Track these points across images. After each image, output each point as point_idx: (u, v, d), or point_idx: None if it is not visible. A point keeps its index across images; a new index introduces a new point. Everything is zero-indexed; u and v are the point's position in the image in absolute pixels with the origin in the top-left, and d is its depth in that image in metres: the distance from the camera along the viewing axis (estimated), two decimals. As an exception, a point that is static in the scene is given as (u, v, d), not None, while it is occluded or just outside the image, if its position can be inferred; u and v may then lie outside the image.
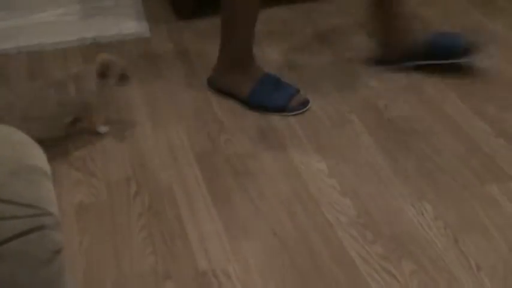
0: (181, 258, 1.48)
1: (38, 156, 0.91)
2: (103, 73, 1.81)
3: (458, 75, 2.05)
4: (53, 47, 2.29)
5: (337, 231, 1.53)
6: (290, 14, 2.46)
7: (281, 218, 1.57)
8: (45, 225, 0.83)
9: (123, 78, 1.86)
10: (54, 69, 2.16)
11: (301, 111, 1.93)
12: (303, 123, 1.89)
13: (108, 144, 1.84)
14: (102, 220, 1.59)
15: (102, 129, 1.89)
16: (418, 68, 2.09)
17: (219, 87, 2.03)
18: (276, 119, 1.91)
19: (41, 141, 1.01)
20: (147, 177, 1.71)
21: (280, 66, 2.15)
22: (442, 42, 2.03)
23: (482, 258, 1.45)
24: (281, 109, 1.93)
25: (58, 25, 2.41)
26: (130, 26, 2.41)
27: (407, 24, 2.07)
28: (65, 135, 1.84)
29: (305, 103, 1.94)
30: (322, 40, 2.29)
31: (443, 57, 2.02)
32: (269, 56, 2.21)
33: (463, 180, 1.66)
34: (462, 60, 2.01)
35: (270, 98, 1.94)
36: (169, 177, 1.71)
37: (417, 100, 1.96)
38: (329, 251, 1.48)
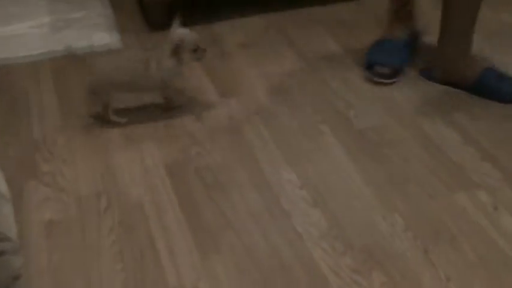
0: (151, 275, 1.47)
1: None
2: (176, 50, 1.88)
3: (428, 83, 2.07)
4: (22, 61, 2.27)
5: (308, 245, 1.53)
6: (264, 24, 2.47)
7: (252, 232, 1.57)
8: (4, 250, 0.82)
9: (198, 52, 1.92)
10: (23, 83, 2.15)
11: None
12: (274, 135, 1.89)
13: (78, 158, 1.83)
14: (71, 236, 1.58)
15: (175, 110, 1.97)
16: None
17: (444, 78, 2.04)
18: (247, 130, 1.91)
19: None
20: (118, 192, 1.70)
21: (255, 76, 2.15)
22: (496, 84, 1.98)
23: (451, 269, 1.46)
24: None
25: (27, 38, 2.40)
26: (101, 37, 2.40)
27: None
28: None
29: None
30: (293, 49, 2.30)
31: (489, 97, 1.97)
32: (240, 65, 2.22)
33: (433, 190, 1.67)
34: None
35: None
36: (140, 191, 1.70)
37: (387, 110, 1.97)
38: (300, 265, 1.48)
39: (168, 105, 2.00)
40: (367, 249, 1.51)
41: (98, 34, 2.41)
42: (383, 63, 2.10)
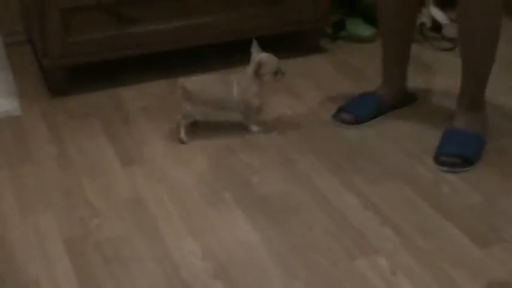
0: None
1: None
2: (257, 72, 2.11)
3: (329, 149, 2.11)
4: None
5: (209, 319, 1.51)
6: (169, 88, 2.47)
7: (152, 308, 1.54)
8: None
9: (277, 74, 2.13)
10: None
11: None
12: (177, 204, 1.87)
13: (-28, 235, 1.76)
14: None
15: (255, 128, 2.18)
16: (292, 142, 2.13)
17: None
18: (150, 199, 1.89)
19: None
20: (12, 270, 1.64)
21: (158, 142, 2.14)
22: (444, 139, 2.05)
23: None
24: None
25: None
26: (0, 104, 2.35)
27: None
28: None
29: None
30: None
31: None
32: (144, 132, 2.20)
33: (334, 257, 1.68)
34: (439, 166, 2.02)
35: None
36: (37, 269, 1.65)
37: (289, 175, 1.99)
38: None
39: (248, 124, 2.19)
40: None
41: (-3, 100, 2.36)
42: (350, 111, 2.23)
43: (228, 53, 2.62)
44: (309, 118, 2.28)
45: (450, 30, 2.69)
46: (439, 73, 2.54)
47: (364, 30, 2.83)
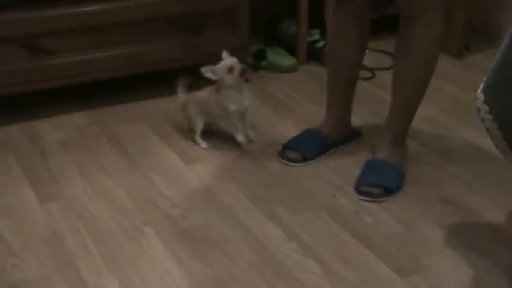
0: None
1: None
2: (230, 73, 2.19)
3: (251, 180, 2.10)
4: None
5: None
6: (87, 120, 2.42)
7: None
8: None
9: (245, 72, 2.21)
10: None
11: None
12: (97, 240, 1.82)
13: None
14: None
15: (240, 138, 2.25)
16: (213, 174, 2.12)
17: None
18: (68, 236, 1.83)
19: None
20: None
21: (76, 178, 2.08)
22: (366, 169, 2.07)
23: None
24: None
25: None
26: None
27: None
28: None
29: None
30: (116, 146, 2.26)
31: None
32: (62, 166, 2.14)
33: (257, 291, 1.67)
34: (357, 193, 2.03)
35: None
36: None
37: (212, 207, 1.97)
38: None
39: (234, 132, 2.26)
40: None
41: None
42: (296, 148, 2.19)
43: (148, 83, 2.60)
44: (230, 149, 2.28)
45: (369, 60, 2.74)
46: (366, 104, 2.57)
47: (284, 60, 2.85)
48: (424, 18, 1.94)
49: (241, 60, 2.28)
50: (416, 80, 2.03)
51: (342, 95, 2.23)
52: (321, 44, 2.91)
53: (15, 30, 2.28)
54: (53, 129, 2.36)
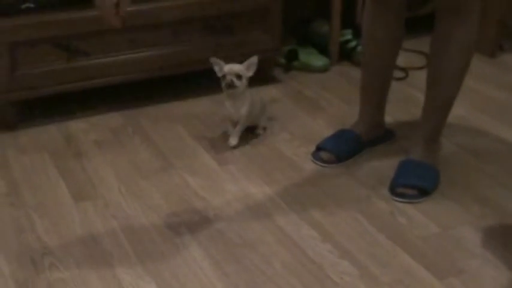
0: None
1: None
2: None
3: (286, 181, 2.10)
4: None
5: None
6: (121, 121, 2.44)
7: None
8: None
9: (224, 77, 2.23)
10: None
11: None
12: (132, 240, 1.83)
13: None
14: None
15: (232, 141, 2.28)
16: (248, 175, 2.12)
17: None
18: (104, 237, 1.84)
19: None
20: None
21: (111, 177, 2.10)
22: (401, 170, 2.05)
23: None
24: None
25: None
26: None
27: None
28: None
29: None
30: (150, 146, 2.28)
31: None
32: (97, 166, 2.16)
33: (293, 292, 1.66)
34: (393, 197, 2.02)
35: None
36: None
37: (246, 208, 1.97)
38: None
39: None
40: None
41: None
42: (329, 149, 2.19)
43: (181, 84, 2.61)
44: (263, 150, 2.28)
45: (402, 59, 2.72)
46: (398, 104, 2.56)
47: (317, 60, 2.85)
48: (461, 16, 1.92)
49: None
50: (451, 78, 2.01)
51: (376, 95, 2.21)
52: (353, 44, 2.90)
53: (51, 31, 2.31)
54: (88, 129, 2.38)
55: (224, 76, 2.21)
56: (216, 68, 2.23)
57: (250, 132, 2.35)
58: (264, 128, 2.38)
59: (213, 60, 2.22)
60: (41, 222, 1.90)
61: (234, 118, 2.27)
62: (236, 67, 2.22)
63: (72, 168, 2.16)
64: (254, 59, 2.24)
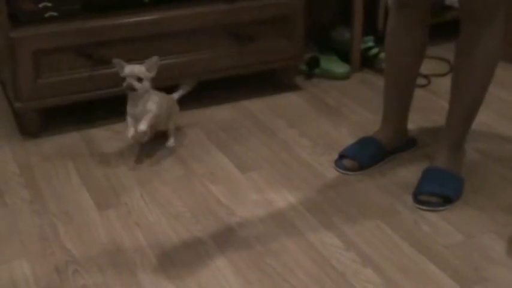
0: None
1: None
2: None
3: (308, 188, 2.09)
4: None
5: None
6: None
7: None
8: None
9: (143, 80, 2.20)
10: None
11: None
12: (154, 247, 1.83)
13: None
14: None
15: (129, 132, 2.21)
16: (269, 182, 2.12)
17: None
18: (127, 244, 1.85)
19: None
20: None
21: (134, 186, 2.10)
22: (425, 177, 2.04)
23: None
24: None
25: None
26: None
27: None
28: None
29: None
30: (174, 154, 2.28)
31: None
32: (119, 174, 2.17)
33: (317, 300, 1.66)
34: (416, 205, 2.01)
35: None
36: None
37: (268, 216, 1.97)
38: None
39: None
40: None
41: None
42: (352, 157, 2.18)
43: (203, 91, 2.61)
44: (285, 157, 2.27)
45: (424, 66, 2.71)
46: (421, 112, 2.55)
47: (338, 67, 2.84)
48: (485, 24, 1.91)
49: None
50: (476, 84, 2.00)
51: (399, 102, 2.20)
52: (374, 51, 2.89)
53: (74, 39, 2.32)
54: (111, 137, 2.40)
55: (124, 78, 2.18)
56: (118, 69, 2.21)
57: (160, 145, 2.34)
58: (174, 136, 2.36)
59: (115, 61, 2.20)
60: (64, 230, 1.91)
61: (134, 115, 2.22)
62: (137, 69, 2.17)
63: (95, 176, 2.17)
64: (154, 59, 2.20)
